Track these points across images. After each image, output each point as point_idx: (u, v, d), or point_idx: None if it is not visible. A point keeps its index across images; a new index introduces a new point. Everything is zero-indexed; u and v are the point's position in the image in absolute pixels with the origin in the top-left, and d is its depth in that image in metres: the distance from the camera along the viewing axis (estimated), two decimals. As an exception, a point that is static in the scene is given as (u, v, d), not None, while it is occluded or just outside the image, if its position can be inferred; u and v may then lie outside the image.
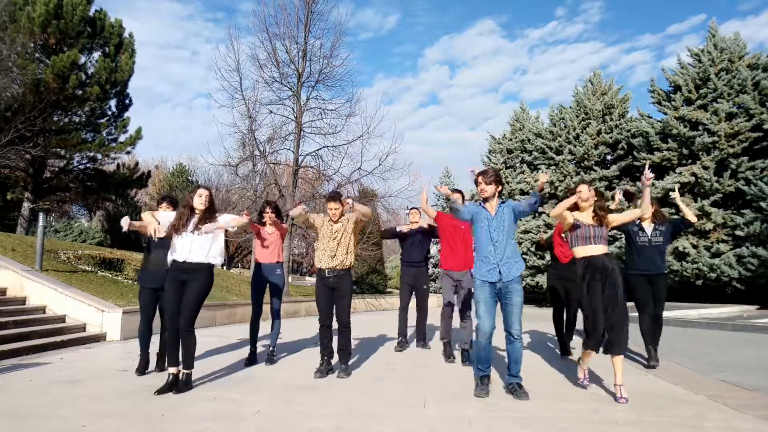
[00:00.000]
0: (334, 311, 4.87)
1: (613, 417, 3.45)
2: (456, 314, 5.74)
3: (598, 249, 4.09)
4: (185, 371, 4.16)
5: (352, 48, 65.66)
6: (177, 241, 4.20)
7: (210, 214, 4.28)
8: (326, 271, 4.81)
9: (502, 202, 4.20)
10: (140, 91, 77.25)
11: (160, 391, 3.98)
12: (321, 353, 4.88)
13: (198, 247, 4.19)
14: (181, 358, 4.16)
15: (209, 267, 4.27)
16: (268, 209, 5.70)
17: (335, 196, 4.92)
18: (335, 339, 4.91)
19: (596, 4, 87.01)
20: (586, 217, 4.18)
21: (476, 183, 4.30)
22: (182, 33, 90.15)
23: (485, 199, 4.21)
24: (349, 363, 4.97)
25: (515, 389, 4.00)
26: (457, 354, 5.72)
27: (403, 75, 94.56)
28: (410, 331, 6.99)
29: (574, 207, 4.22)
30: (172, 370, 4.14)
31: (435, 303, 12.27)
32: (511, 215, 4.14)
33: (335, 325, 4.88)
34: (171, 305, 4.17)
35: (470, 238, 5.38)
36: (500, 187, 4.24)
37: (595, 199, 4.20)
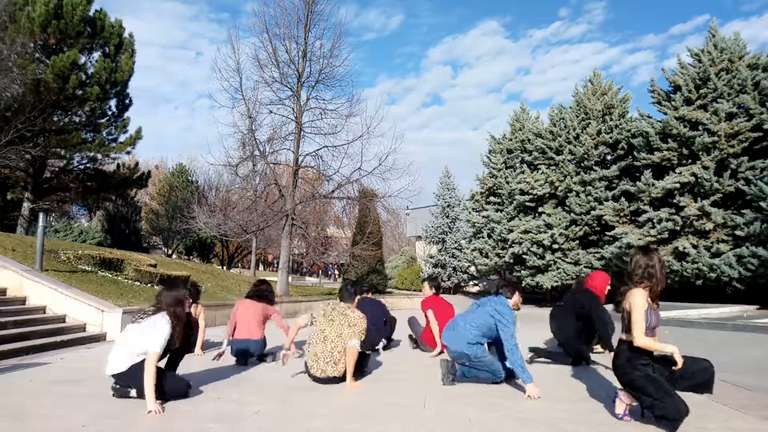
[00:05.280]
0: None
1: (613, 417, 3.45)
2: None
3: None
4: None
5: (356, 49, 65.76)
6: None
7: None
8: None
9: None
10: (143, 91, 77.42)
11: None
12: None
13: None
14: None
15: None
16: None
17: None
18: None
19: (600, 5, 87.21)
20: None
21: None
22: (186, 33, 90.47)
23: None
24: None
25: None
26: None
27: (406, 75, 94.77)
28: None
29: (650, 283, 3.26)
30: None
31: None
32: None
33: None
34: None
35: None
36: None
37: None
